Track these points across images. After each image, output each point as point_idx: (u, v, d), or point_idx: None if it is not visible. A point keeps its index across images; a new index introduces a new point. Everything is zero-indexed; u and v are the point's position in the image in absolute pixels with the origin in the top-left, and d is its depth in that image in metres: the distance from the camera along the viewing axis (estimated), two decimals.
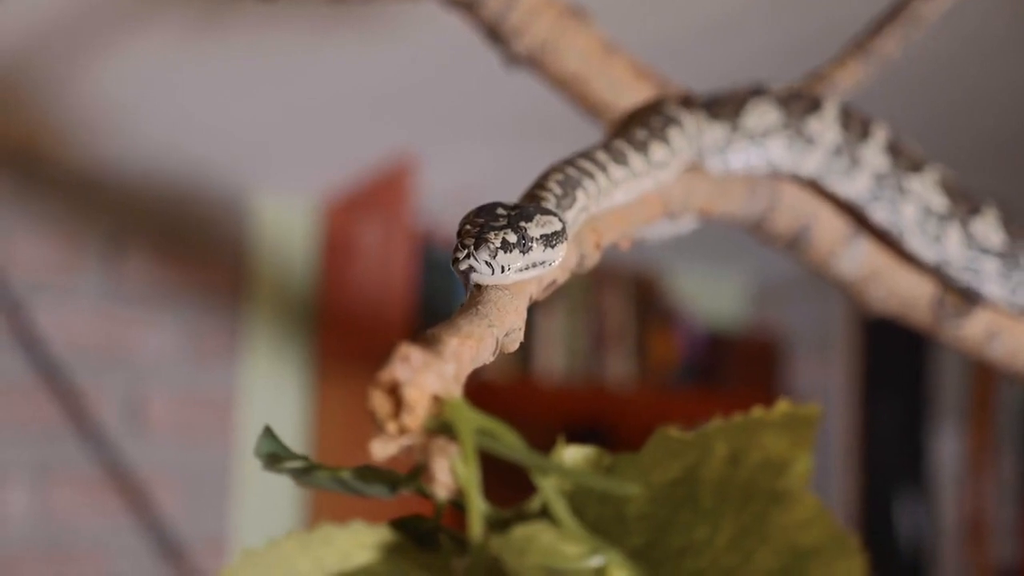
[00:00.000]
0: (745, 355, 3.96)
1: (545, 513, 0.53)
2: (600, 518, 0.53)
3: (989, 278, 1.10)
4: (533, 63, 1.16)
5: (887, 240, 1.13)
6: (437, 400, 0.52)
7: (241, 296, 3.23)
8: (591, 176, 0.83)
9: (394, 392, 0.52)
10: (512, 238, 0.70)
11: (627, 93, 1.14)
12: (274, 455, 0.56)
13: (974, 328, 1.15)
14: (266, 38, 2.33)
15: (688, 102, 1.04)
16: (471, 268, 0.68)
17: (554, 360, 3.38)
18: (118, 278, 3.12)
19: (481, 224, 0.71)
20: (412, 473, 0.55)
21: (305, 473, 0.56)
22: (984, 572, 3.55)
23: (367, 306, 3.12)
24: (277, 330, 3.25)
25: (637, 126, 0.93)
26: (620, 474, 0.54)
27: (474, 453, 0.51)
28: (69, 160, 3.00)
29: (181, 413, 3.14)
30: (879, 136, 1.09)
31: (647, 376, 3.62)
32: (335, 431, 3.18)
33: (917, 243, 1.10)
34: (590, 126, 2.78)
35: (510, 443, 0.51)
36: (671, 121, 0.95)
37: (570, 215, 0.79)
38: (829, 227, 1.14)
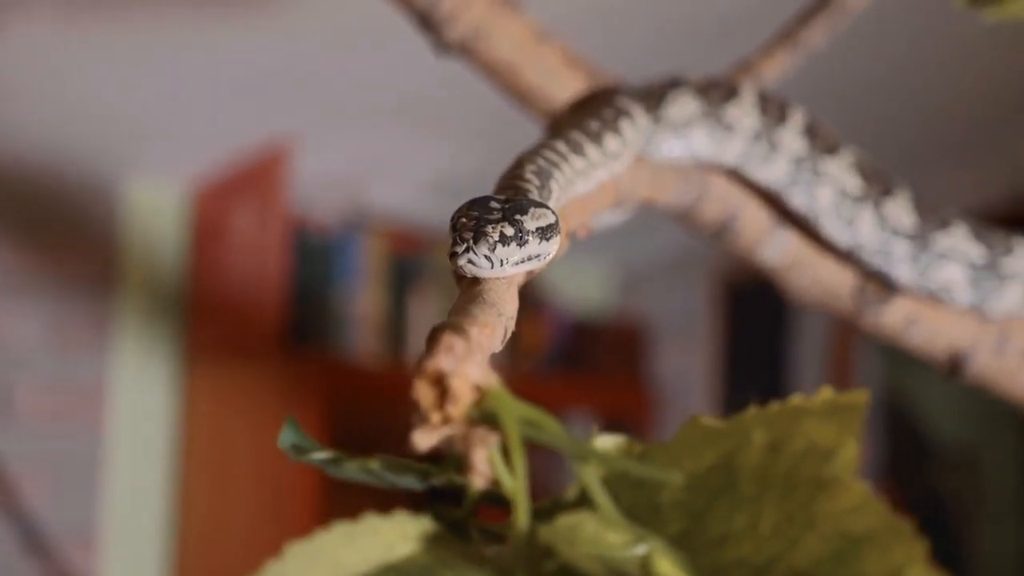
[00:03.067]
0: (611, 341, 4.01)
1: (582, 503, 0.53)
2: (634, 506, 0.54)
3: (899, 260, 1.12)
4: (465, 51, 1.16)
5: (804, 227, 1.15)
6: (477, 389, 0.52)
7: (110, 283, 3.17)
8: (558, 167, 0.84)
9: (438, 382, 0.52)
10: (509, 231, 0.69)
11: (559, 82, 1.15)
12: (298, 446, 0.56)
13: (894, 315, 1.17)
14: (139, 19, 2.29)
15: (623, 94, 1.05)
16: (470, 262, 0.68)
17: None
18: None
19: (476, 217, 0.70)
20: (444, 463, 0.55)
21: (333, 464, 0.55)
22: None
23: (239, 293, 3.09)
24: (148, 318, 3.19)
25: (590, 117, 0.94)
26: (652, 462, 0.55)
27: (519, 442, 0.51)
28: None
29: (49, 403, 3.07)
30: (796, 119, 1.11)
31: (517, 362, 3.64)
32: (205, 419, 3.14)
33: (831, 227, 1.12)
34: (464, 114, 2.80)
35: (552, 431, 0.51)
36: (622, 113, 0.96)
37: (551, 204, 0.79)
38: (755, 217, 1.16)
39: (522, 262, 0.70)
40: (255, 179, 3.05)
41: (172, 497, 3.19)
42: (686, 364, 4.02)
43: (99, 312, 3.15)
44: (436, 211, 3.44)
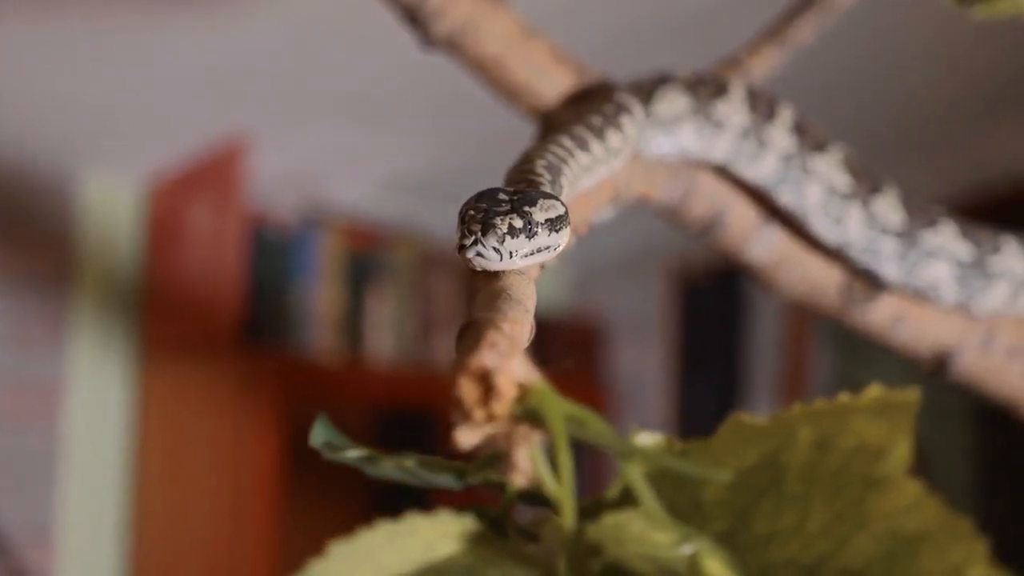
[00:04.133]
0: (567, 339, 4.01)
1: (624, 501, 0.52)
2: (675, 504, 0.53)
3: (887, 259, 1.12)
4: (452, 46, 1.14)
5: (792, 224, 1.15)
6: (520, 387, 0.51)
7: (66, 280, 3.12)
8: (566, 162, 0.83)
9: (482, 379, 0.51)
10: (518, 223, 0.68)
11: (546, 77, 1.14)
12: (331, 444, 0.55)
13: (880, 313, 1.18)
14: (94, 13, 2.26)
15: (621, 89, 1.05)
16: (479, 254, 0.67)
17: (384, 343, 3.36)
18: None
19: (484, 209, 0.69)
20: (482, 462, 0.54)
21: (369, 462, 0.54)
22: None
23: (196, 290, 3.06)
24: (104, 314, 3.15)
25: (591, 113, 0.93)
26: (694, 460, 0.54)
27: (566, 440, 0.50)
28: None
29: (4, 401, 3.03)
30: (785, 116, 1.10)
31: None
32: (162, 416, 3.11)
33: (820, 225, 1.12)
34: (423, 111, 2.78)
35: (597, 429, 0.51)
36: (622, 108, 0.96)
37: (561, 199, 0.78)
38: (743, 214, 1.16)
39: (532, 254, 0.69)
40: (212, 175, 3.02)
41: (129, 495, 3.16)
42: (641, 361, 4.03)
43: (55, 309, 3.11)
44: (394, 207, 3.43)
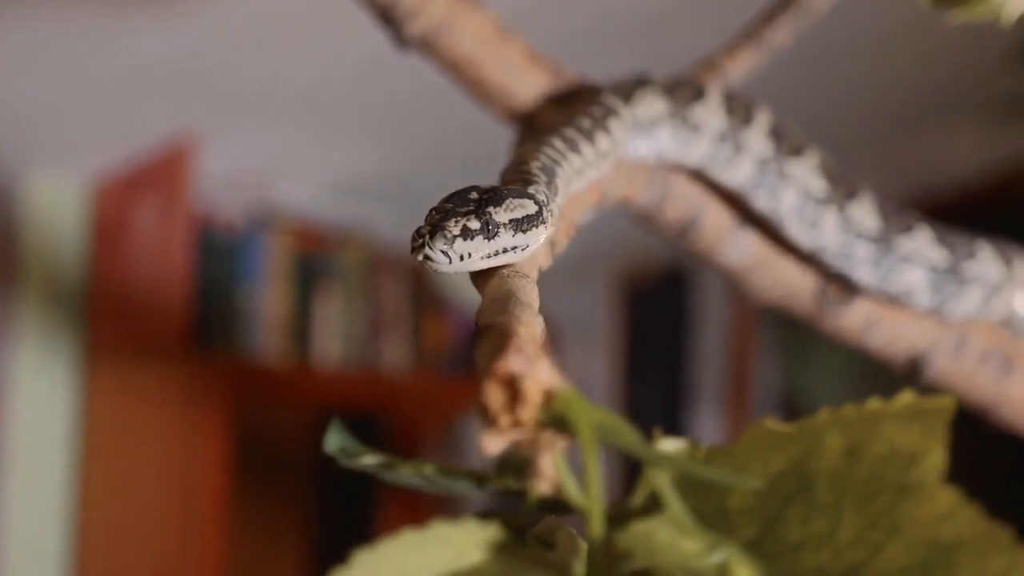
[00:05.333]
0: None
1: (650, 508, 0.51)
2: (701, 512, 0.52)
3: (861, 264, 1.12)
4: (426, 46, 1.13)
5: (767, 228, 1.14)
6: (546, 392, 0.50)
7: (10, 282, 3.08)
8: (559, 165, 0.82)
9: (508, 385, 0.50)
10: (475, 225, 0.67)
11: (522, 78, 1.13)
12: (346, 450, 0.53)
13: (854, 317, 1.17)
14: (36, 9, 2.22)
15: (608, 91, 1.04)
16: (427, 257, 0.66)
17: (331, 345, 3.34)
18: None
19: (447, 210, 0.68)
20: (501, 468, 0.53)
21: (385, 468, 0.53)
22: None
23: (142, 293, 3.02)
24: (48, 317, 3.10)
25: (581, 115, 0.92)
26: (719, 467, 0.53)
27: (595, 446, 0.49)
28: None
29: None
30: (762, 120, 1.10)
31: (421, 362, 3.62)
32: (107, 421, 3.07)
33: (795, 230, 1.11)
34: (371, 112, 2.76)
35: (624, 435, 0.50)
36: (609, 111, 0.95)
37: (558, 201, 0.77)
38: (718, 217, 1.15)
39: (494, 255, 0.68)
40: (158, 175, 2.99)
41: (74, 498, 3.11)
42: (588, 365, 4.03)
43: None
44: (342, 209, 3.40)
